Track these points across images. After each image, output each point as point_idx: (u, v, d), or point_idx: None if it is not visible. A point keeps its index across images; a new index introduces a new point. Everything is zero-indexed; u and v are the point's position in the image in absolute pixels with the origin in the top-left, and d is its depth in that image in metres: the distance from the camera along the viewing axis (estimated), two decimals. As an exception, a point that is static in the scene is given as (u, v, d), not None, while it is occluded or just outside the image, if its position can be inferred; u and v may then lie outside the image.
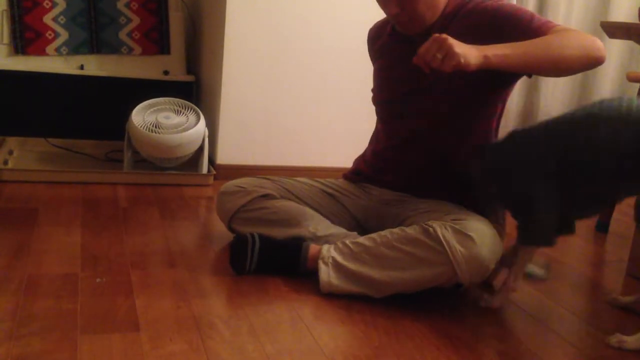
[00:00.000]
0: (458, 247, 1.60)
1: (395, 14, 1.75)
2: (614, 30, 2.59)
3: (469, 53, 1.49)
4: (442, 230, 1.62)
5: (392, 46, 1.91)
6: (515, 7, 1.72)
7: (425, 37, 1.58)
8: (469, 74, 1.54)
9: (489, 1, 1.75)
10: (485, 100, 1.81)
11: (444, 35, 1.49)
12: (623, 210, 2.87)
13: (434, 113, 1.81)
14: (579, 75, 3.14)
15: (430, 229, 1.63)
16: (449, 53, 1.47)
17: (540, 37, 1.59)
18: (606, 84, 3.13)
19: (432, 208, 1.79)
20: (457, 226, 1.62)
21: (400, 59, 1.85)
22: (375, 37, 1.99)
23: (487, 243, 1.62)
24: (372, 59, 2.03)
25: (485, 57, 1.51)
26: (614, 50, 3.12)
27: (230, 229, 1.98)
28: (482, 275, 1.65)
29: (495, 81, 1.76)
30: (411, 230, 1.66)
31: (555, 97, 3.09)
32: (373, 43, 2.00)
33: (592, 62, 1.60)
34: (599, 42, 1.61)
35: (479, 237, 1.60)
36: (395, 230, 1.70)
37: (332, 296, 1.69)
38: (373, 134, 2.05)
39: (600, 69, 3.11)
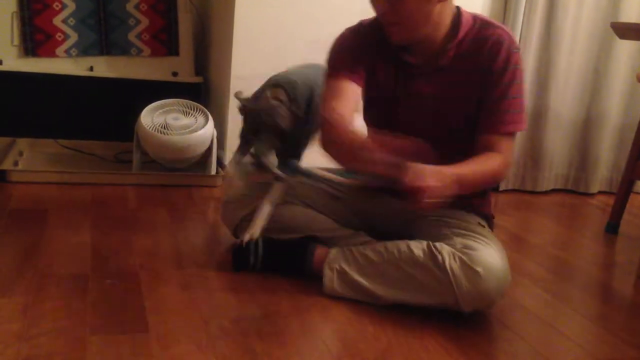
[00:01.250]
0: (464, 282, 1.57)
1: (383, 13, 1.67)
2: (625, 31, 2.58)
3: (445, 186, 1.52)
4: (450, 260, 1.58)
5: (381, 65, 1.79)
6: (519, 86, 1.71)
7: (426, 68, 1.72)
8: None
9: (511, 51, 1.69)
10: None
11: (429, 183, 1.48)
12: (633, 212, 2.85)
13: (430, 125, 1.78)
14: (589, 77, 3.12)
15: (439, 256, 1.59)
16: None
17: (485, 169, 1.69)
18: (617, 85, 3.12)
19: (440, 217, 1.76)
20: (465, 257, 1.58)
21: (392, 80, 1.79)
22: (360, 48, 1.82)
23: (494, 278, 1.58)
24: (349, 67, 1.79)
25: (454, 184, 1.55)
26: (625, 51, 3.10)
27: (236, 237, 1.97)
28: (486, 307, 1.64)
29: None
30: (419, 253, 1.62)
31: (565, 98, 3.08)
32: (354, 52, 1.82)
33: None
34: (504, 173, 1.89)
35: (486, 272, 1.56)
36: (404, 247, 1.66)
37: (340, 297, 1.68)
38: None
39: (610, 69, 3.10)
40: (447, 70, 1.73)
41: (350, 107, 1.74)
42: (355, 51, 1.80)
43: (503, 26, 1.74)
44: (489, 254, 1.61)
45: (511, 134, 1.73)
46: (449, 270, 1.57)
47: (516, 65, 1.70)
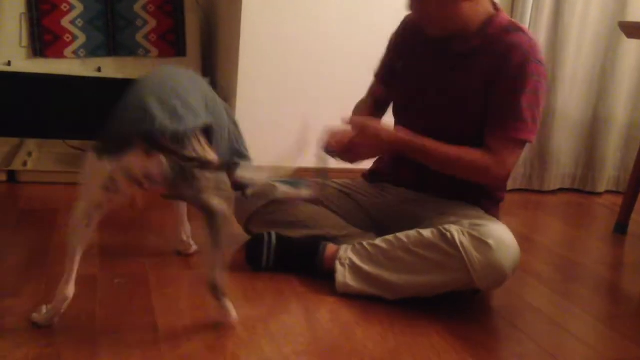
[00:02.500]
0: (475, 253, 1.59)
1: (411, 10, 1.77)
2: (632, 30, 2.58)
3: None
4: (460, 235, 1.61)
5: (423, 48, 1.87)
6: (532, 96, 1.71)
7: (462, 55, 1.76)
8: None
9: (529, 59, 1.70)
10: None
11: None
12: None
13: (452, 111, 1.80)
14: (596, 76, 3.12)
15: (448, 234, 1.63)
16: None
17: (462, 156, 1.73)
18: (624, 84, 3.11)
19: (450, 210, 1.78)
20: (474, 232, 1.61)
21: (429, 61, 1.85)
22: (409, 34, 1.93)
23: (505, 249, 1.61)
24: (396, 53, 1.97)
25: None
26: (632, 50, 3.09)
27: (247, 231, 1.99)
28: (500, 282, 1.64)
29: None
30: (428, 234, 1.66)
31: (572, 97, 3.07)
32: (405, 38, 1.94)
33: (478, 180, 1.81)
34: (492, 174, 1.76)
35: (496, 243, 1.59)
36: (412, 233, 1.69)
37: (348, 297, 1.69)
38: None
39: (618, 68, 3.09)
40: (469, 60, 1.76)
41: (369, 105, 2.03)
42: (391, 48, 1.99)
43: (534, 38, 1.75)
44: (499, 228, 1.65)
45: (512, 140, 1.72)
46: (459, 245, 1.60)
47: (533, 75, 1.69)
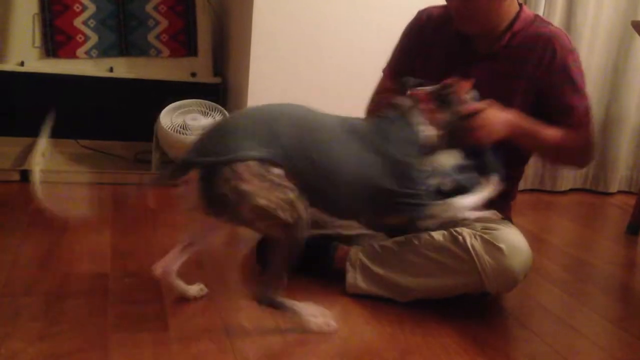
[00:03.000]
0: (487, 258, 1.58)
1: (457, 7, 1.74)
2: (645, 29, 2.56)
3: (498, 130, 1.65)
4: (472, 239, 1.60)
5: (438, 51, 1.86)
6: (580, 80, 1.76)
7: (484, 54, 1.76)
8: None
9: (562, 43, 1.74)
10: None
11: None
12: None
13: None
14: (608, 75, 3.10)
15: (460, 237, 1.62)
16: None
17: (561, 138, 1.73)
18: (636, 83, 3.09)
19: None
20: (486, 236, 1.60)
21: (452, 58, 1.84)
22: (430, 31, 1.90)
23: (517, 255, 1.60)
24: (414, 48, 1.92)
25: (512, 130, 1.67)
26: (645, 49, 3.08)
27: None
28: (511, 287, 1.64)
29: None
30: (439, 237, 1.65)
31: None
32: (425, 34, 1.91)
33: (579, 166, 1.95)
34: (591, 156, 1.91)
35: (508, 248, 1.59)
36: (424, 235, 1.68)
37: (359, 297, 1.69)
38: None
39: (630, 68, 3.07)
40: (500, 58, 1.77)
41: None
42: (408, 42, 1.94)
43: (560, 28, 1.80)
44: (512, 232, 1.64)
45: (582, 124, 1.76)
46: (471, 249, 1.59)
47: (574, 62, 1.74)
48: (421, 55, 1.89)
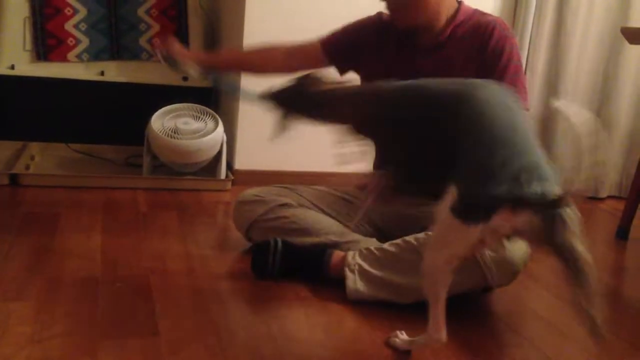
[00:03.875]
0: (487, 250, 1.59)
1: (386, 3, 1.80)
2: (635, 36, 2.58)
3: None
4: None
5: (389, 44, 1.90)
6: (519, 63, 1.79)
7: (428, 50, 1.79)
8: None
9: (501, 28, 1.80)
10: None
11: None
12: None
13: None
14: (599, 81, 3.12)
15: None
16: None
17: None
18: (626, 89, 3.11)
19: None
20: None
21: (394, 55, 1.88)
22: (382, 32, 1.93)
23: (517, 245, 1.61)
24: (359, 42, 1.96)
25: None
26: (635, 56, 3.09)
27: (248, 239, 1.99)
28: (512, 277, 1.66)
29: None
30: None
31: (574, 102, 3.07)
32: (374, 35, 1.94)
33: None
34: None
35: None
36: (420, 235, 1.69)
37: (352, 303, 1.69)
38: None
39: (620, 74, 3.10)
40: (446, 48, 1.81)
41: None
42: (350, 40, 1.99)
43: (499, 17, 1.86)
44: None
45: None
46: None
47: (512, 47, 1.78)
48: (365, 51, 1.94)
